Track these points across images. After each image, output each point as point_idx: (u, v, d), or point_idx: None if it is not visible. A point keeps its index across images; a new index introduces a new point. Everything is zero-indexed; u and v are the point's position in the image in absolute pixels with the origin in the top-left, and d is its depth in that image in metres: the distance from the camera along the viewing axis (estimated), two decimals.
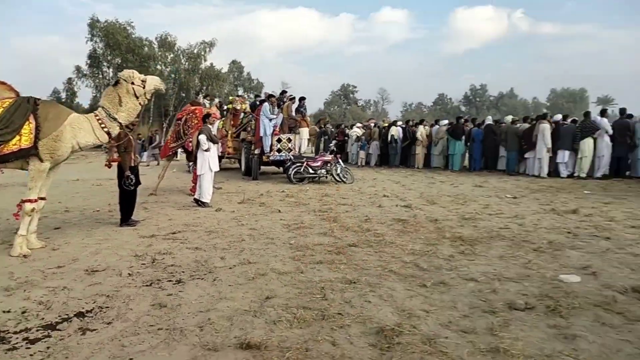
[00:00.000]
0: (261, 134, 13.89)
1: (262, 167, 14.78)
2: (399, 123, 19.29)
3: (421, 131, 17.75)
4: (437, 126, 17.65)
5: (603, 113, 14.03)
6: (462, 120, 17.67)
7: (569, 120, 14.84)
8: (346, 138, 21.87)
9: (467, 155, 16.97)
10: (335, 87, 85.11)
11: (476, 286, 4.45)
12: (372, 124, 20.96)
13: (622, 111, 13.82)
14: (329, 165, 13.21)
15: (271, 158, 14.06)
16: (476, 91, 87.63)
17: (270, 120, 13.82)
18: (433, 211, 8.56)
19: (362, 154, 19.60)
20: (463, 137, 16.34)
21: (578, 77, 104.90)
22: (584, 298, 4.06)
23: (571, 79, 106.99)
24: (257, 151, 14.19)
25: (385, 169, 18.30)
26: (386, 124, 19.97)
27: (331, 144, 15.74)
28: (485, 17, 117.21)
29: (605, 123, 13.35)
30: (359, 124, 22.82)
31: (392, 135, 18.37)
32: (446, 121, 17.81)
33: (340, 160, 13.73)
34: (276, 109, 14.14)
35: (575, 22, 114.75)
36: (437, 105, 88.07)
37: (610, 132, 13.18)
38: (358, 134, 20.62)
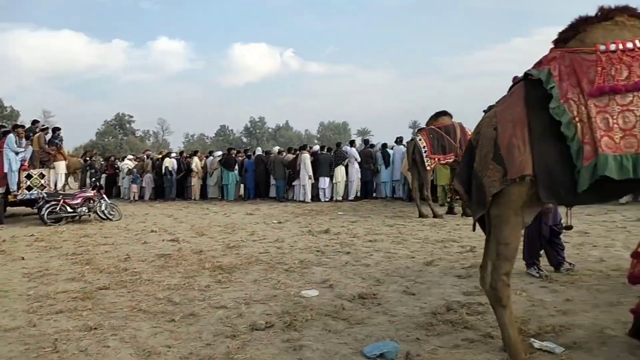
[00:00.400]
0: (5, 169, 11.98)
1: (8, 208, 12.72)
2: (173, 154, 18.95)
3: (196, 162, 17.74)
4: (211, 157, 17.89)
5: (352, 143, 16.24)
6: (234, 151, 18.31)
7: (326, 149, 16.73)
8: (117, 171, 20.46)
9: (242, 185, 17.61)
10: (109, 116, 78.92)
11: (224, 313, 4.57)
12: (145, 156, 20.08)
13: (366, 142, 16.40)
14: (91, 202, 12.10)
15: (19, 197, 12.22)
16: (256, 123, 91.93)
17: (17, 153, 12.07)
18: (200, 243, 8.57)
19: (135, 187, 18.55)
20: (236, 168, 16.91)
21: (342, 112, 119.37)
22: (318, 309, 4.53)
23: (337, 113, 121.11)
24: (1, 190, 12.17)
25: (161, 202, 17.66)
26: (160, 156, 19.37)
27: (95, 179, 14.48)
28: (261, 53, 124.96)
29: (354, 152, 15.48)
30: (130, 156, 21.63)
31: (167, 167, 17.91)
32: (219, 152, 18.20)
33: (104, 196, 12.72)
34: (24, 141, 12.43)
35: (337, 62, 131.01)
36: (219, 136, 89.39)
37: (359, 159, 15.28)
38: (129, 167, 19.48)
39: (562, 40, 3.43)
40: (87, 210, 12.00)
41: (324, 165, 15.26)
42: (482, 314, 4.28)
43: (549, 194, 3.08)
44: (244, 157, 17.85)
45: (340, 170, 15.25)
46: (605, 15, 3.32)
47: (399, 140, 15.33)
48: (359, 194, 15.80)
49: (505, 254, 3.19)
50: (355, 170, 15.35)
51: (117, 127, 78.25)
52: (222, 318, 4.41)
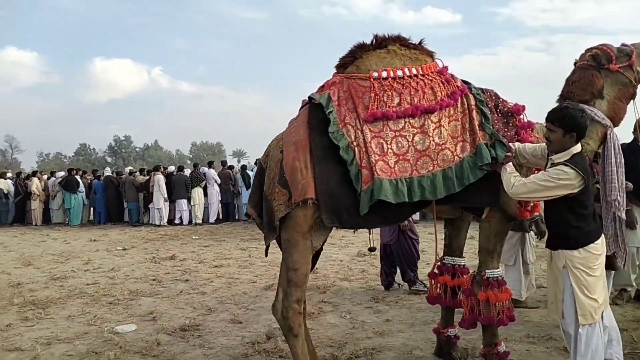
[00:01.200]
0: None
1: None
2: (8, 175, 16.82)
3: (36, 184, 15.91)
4: (53, 178, 16.20)
5: (210, 164, 15.88)
6: (77, 171, 16.80)
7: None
8: None
9: (91, 208, 16.20)
10: None
11: (18, 356, 4.00)
12: None
13: (223, 163, 16.25)
14: None
15: None
16: (121, 142, 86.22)
17: None
18: (22, 274, 7.58)
19: None
20: (81, 190, 15.52)
21: (216, 132, 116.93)
22: (129, 346, 4.16)
23: (211, 134, 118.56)
24: None
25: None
26: None
27: None
28: (125, 69, 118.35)
29: (212, 173, 15.12)
30: None
31: (1, 189, 15.80)
32: (62, 173, 16.55)
33: None
34: None
35: (208, 84, 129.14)
36: (79, 155, 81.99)
37: (218, 181, 14.94)
38: None
39: (342, 65, 3.57)
40: None
41: (179, 187, 14.63)
42: None
43: (331, 218, 3.11)
44: (92, 178, 16.48)
45: (197, 192, 14.73)
46: (380, 43, 3.52)
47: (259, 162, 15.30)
48: (220, 217, 15.40)
49: (295, 279, 3.16)
50: (215, 192, 14.96)
51: None
52: None
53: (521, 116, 3.53)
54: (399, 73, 3.40)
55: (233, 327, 4.71)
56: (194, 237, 11.82)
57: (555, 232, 3.06)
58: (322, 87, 3.53)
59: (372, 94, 3.29)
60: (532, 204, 3.37)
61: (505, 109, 3.51)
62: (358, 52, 3.52)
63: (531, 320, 4.71)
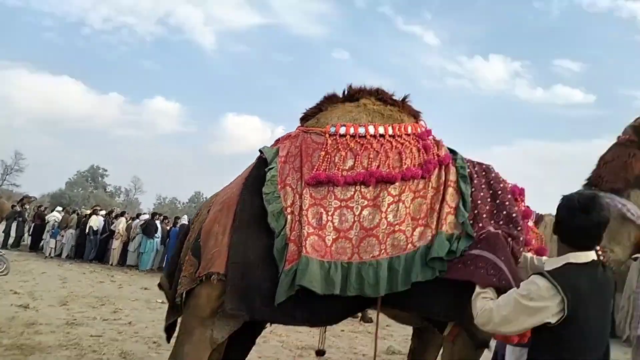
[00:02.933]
0: None
1: None
2: (101, 212, 17.93)
3: (122, 224, 16.73)
4: (137, 220, 16.94)
5: None
6: (159, 216, 17.40)
7: None
8: (45, 223, 19.26)
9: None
10: (83, 166, 77.52)
11: None
12: (71, 210, 19.05)
13: None
14: None
15: None
16: None
17: None
18: (47, 314, 7.49)
19: (52, 242, 17.33)
20: (158, 235, 15.94)
21: None
22: None
23: None
24: None
25: (78, 262, 16.38)
26: (88, 211, 18.35)
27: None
28: (252, 126, 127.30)
29: None
30: (59, 208, 20.51)
31: (91, 226, 16.83)
32: (146, 216, 17.26)
33: None
34: None
35: None
36: (192, 202, 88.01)
37: None
38: (57, 219, 18.34)
39: (304, 117, 2.92)
40: None
41: None
42: None
43: (238, 304, 2.36)
44: (173, 224, 16.95)
45: None
46: (352, 95, 2.82)
47: None
48: None
49: None
50: None
51: (88, 179, 76.95)
52: None
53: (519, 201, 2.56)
54: (361, 130, 2.67)
55: None
56: None
57: None
58: (278, 140, 2.92)
59: (323, 152, 2.63)
60: None
61: (498, 190, 2.54)
62: (325, 104, 2.86)
63: None
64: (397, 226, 2.43)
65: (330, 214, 2.46)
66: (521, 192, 2.71)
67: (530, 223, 2.65)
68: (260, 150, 2.85)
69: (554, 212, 2.09)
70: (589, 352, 1.89)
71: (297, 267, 2.31)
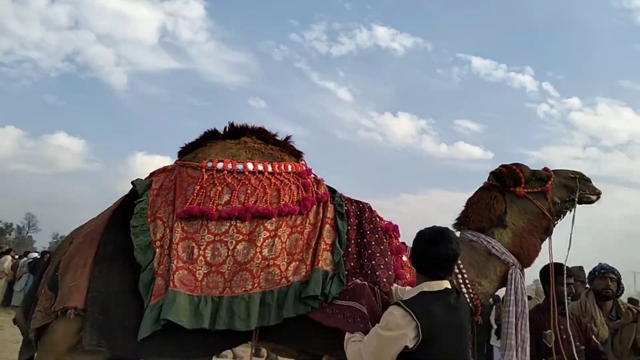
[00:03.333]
0: None
1: None
2: None
3: (8, 262, 15.33)
4: (25, 258, 15.64)
5: None
6: (50, 255, 16.18)
7: None
8: None
9: None
10: None
11: None
12: None
13: None
14: None
15: None
16: None
17: None
18: None
19: None
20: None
21: None
22: None
23: None
24: None
25: None
26: None
27: None
28: (163, 164, 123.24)
29: None
30: None
31: None
32: (35, 255, 15.99)
33: None
34: None
35: None
36: None
37: None
38: None
39: (182, 152, 3.00)
40: None
41: None
42: None
43: (98, 339, 2.27)
44: None
45: None
46: (233, 132, 2.96)
47: None
48: None
49: None
50: None
51: None
52: None
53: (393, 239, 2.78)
54: (239, 167, 2.75)
55: None
56: None
57: None
58: (153, 173, 2.95)
59: (197, 186, 2.63)
60: None
61: (367, 230, 2.73)
62: (205, 139, 2.95)
63: None
64: (272, 260, 2.48)
65: (202, 248, 2.46)
66: (395, 228, 2.85)
67: (405, 258, 2.76)
68: (132, 183, 2.83)
69: None
70: None
71: (164, 302, 2.28)
